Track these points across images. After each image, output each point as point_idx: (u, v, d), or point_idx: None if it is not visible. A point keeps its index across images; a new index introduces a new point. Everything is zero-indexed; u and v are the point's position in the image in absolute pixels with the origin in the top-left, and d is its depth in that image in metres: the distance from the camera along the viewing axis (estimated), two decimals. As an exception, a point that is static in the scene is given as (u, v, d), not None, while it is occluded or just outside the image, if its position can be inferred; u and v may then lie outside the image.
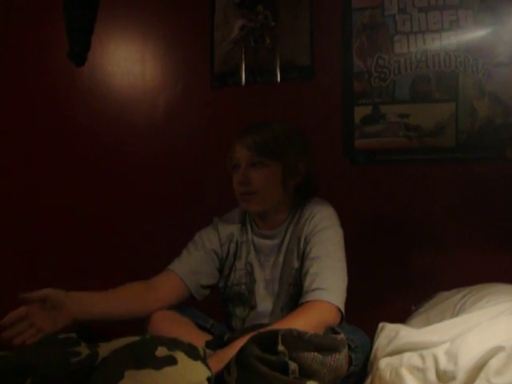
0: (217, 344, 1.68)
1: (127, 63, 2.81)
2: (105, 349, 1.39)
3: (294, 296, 1.87)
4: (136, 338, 1.42)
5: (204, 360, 1.43)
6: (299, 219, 1.93)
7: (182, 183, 2.66)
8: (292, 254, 1.90)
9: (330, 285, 1.73)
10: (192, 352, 1.40)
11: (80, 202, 2.81)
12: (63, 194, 2.82)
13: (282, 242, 1.94)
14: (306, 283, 1.77)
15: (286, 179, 1.91)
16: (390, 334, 1.59)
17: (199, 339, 1.67)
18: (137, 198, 2.72)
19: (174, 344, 1.40)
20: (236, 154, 1.94)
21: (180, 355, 1.35)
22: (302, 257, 1.86)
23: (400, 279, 1.96)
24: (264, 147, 1.88)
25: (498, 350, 1.40)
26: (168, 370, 1.30)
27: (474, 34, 2.34)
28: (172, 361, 1.33)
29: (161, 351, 1.35)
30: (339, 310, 1.71)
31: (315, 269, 1.77)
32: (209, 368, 1.40)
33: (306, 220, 1.89)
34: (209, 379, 1.36)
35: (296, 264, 1.88)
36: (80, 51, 2.74)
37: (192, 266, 1.94)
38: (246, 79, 2.58)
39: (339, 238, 1.87)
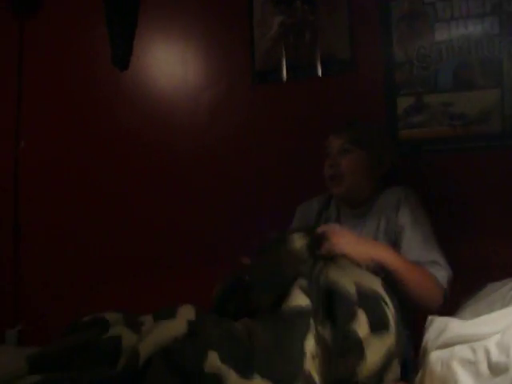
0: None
1: (169, 65, 2.86)
2: (147, 344, 1.33)
3: None
4: (183, 331, 1.38)
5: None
6: (383, 199, 2.10)
7: (227, 181, 2.69)
8: (372, 230, 2.06)
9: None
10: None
11: (130, 203, 2.87)
12: (114, 195, 2.89)
13: (365, 218, 2.10)
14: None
15: (371, 168, 2.13)
16: (440, 326, 1.58)
17: None
18: (185, 196, 2.76)
19: (227, 344, 1.35)
20: (328, 143, 2.17)
21: (231, 374, 1.29)
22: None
23: (452, 270, 1.94)
24: (353, 136, 2.12)
25: (549, 340, 1.38)
26: None
27: (516, 18, 2.29)
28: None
29: (211, 362, 1.28)
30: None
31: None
32: None
33: (393, 200, 2.05)
34: None
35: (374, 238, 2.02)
36: (123, 56, 2.80)
37: None
38: (287, 75, 2.58)
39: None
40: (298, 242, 1.77)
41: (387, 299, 1.61)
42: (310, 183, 2.41)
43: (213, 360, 1.28)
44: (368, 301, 1.55)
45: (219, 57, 2.76)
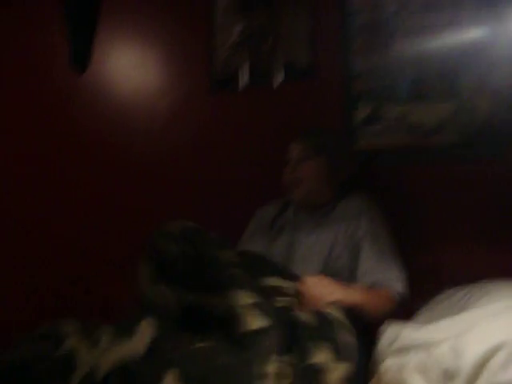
0: None
1: (128, 69, 2.83)
2: (105, 361, 1.31)
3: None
4: (143, 349, 1.36)
5: None
6: (343, 205, 2.13)
7: (182, 187, 2.66)
8: (330, 236, 2.07)
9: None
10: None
11: (80, 203, 2.84)
12: (64, 194, 2.86)
13: (322, 224, 2.12)
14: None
15: (330, 175, 2.16)
16: (393, 333, 1.59)
17: None
18: (136, 201, 2.74)
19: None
20: (289, 151, 2.20)
21: None
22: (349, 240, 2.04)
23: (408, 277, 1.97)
24: (313, 143, 2.17)
25: (501, 346, 1.40)
26: None
27: (473, 32, 2.33)
28: None
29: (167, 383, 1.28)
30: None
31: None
32: None
33: (354, 208, 2.09)
34: None
35: (337, 244, 2.05)
36: (82, 58, 2.77)
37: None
38: (246, 82, 2.58)
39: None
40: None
41: (347, 324, 1.62)
42: (268, 190, 2.42)
43: (171, 380, 1.27)
44: (330, 327, 1.55)
45: (179, 62, 2.75)
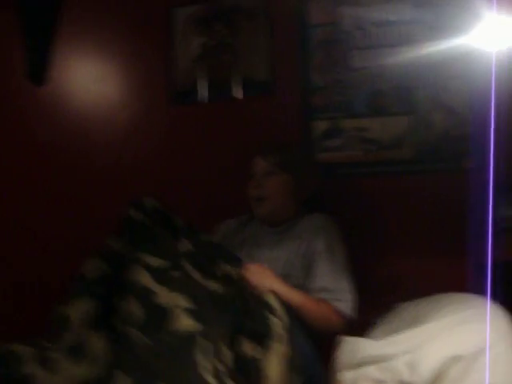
0: None
1: (87, 81, 2.81)
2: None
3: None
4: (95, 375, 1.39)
5: None
6: (303, 223, 2.12)
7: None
8: (291, 251, 2.07)
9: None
10: None
11: (36, 215, 2.80)
12: (21, 206, 2.82)
13: (283, 238, 2.12)
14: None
15: (295, 191, 2.15)
16: (351, 347, 1.60)
17: None
18: (96, 214, 2.71)
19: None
20: (254, 165, 2.17)
21: None
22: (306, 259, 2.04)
23: (360, 292, 1.98)
24: (279, 159, 2.14)
25: (456, 359, 1.43)
26: None
27: (428, 48, 2.38)
28: None
29: None
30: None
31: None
32: None
33: (313, 226, 2.08)
34: None
35: (293, 262, 2.05)
36: (39, 71, 2.74)
37: None
38: (205, 96, 2.59)
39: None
40: None
41: (276, 307, 1.64)
42: (228, 203, 2.42)
43: None
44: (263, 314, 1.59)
45: (138, 75, 2.74)
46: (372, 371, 1.48)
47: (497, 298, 1.68)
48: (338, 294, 1.95)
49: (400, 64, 2.41)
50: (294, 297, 1.85)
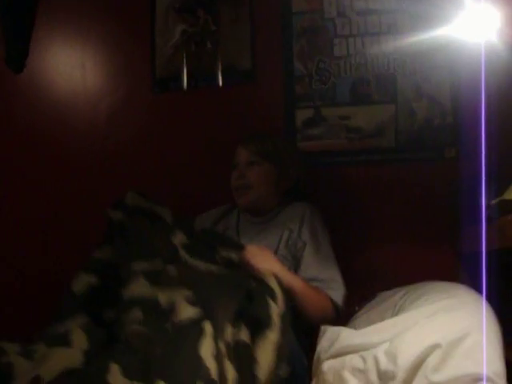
0: None
1: (67, 69, 2.77)
2: (48, 367, 1.34)
3: None
4: (81, 360, 1.39)
5: None
6: (287, 212, 2.11)
7: (123, 188, 2.62)
8: (274, 241, 2.05)
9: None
10: None
11: (16, 201, 2.76)
12: (5, 198, 2.77)
13: (266, 228, 2.10)
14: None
15: (278, 181, 2.14)
16: (332, 336, 1.61)
17: None
18: (77, 201, 2.68)
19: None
20: (237, 154, 2.17)
21: None
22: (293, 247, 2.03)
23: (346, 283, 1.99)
24: (261, 149, 2.14)
25: (434, 347, 1.44)
26: None
27: (411, 38, 2.38)
28: None
29: (114, 374, 1.30)
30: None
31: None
32: None
33: (297, 215, 2.07)
34: None
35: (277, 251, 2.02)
36: (18, 58, 2.70)
37: None
38: (187, 84, 2.57)
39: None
40: None
41: (277, 293, 1.63)
42: (210, 192, 2.41)
43: (115, 373, 1.30)
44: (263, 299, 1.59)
45: (119, 63, 2.71)
46: (353, 361, 1.49)
47: (483, 286, 1.69)
48: (329, 283, 1.93)
49: (383, 53, 2.41)
50: (294, 281, 1.81)
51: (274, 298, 1.61)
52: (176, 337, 1.42)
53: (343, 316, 1.89)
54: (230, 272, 1.73)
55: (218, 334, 1.45)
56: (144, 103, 2.66)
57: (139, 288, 1.57)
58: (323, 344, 1.61)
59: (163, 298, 1.53)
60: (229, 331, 1.48)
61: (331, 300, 1.90)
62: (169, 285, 1.58)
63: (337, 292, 1.92)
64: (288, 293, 1.71)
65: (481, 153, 1.85)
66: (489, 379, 1.41)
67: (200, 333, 1.42)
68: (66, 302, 1.66)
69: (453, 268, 2.22)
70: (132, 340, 1.42)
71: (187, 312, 1.48)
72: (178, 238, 1.77)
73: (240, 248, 1.85)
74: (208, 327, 1.44)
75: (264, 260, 1.81)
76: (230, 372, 1.41)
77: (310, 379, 1.64)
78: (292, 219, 2.07)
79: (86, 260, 1.78)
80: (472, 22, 2.04)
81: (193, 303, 1.51)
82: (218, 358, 1.40)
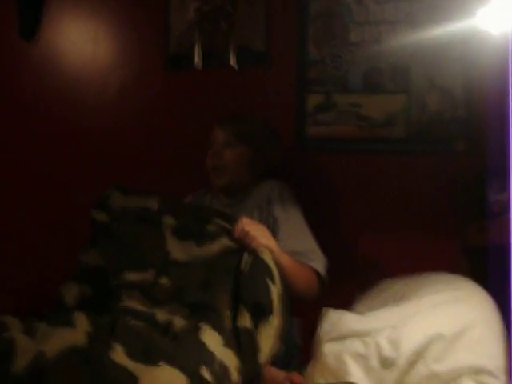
0: None
1: (80, 41, 2.75)
2: (51, 344, 1.35)
3: None
4: (84, 340, 1.39)
5: None
6: (256, 191, 2.11)
7: (132, 163, 2.63)
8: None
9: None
10: None
11: (25, 176, 2.75)
12: (9, 166, 2.76)
13: (239, 208, 2.08)
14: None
15: (254, 163, 2.15)
16: (334, 319, 1.61)
17: None
18: (84, 174, 2.68)
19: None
20: (213, 134, 2.19)
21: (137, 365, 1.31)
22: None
23: (346, 266, 1.99)
24: (238, 130, 2.15)
25: (437, 337, 1.44)
26: None
27: (427, 28, 2.36)
28: None
29: (117, 353, 1.32)
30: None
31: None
32: None
33: (265, 193, 2.08)
34: None
35: None
36: (30, 27, 2.69)
37: None
38: (200, 62, 2.55)
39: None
40: None
41: (274, 271, 1.65)
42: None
43: (119, 352, 1.32)
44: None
45: (132, 38, 2.69)
46: (354, 345, 1.49)
47: (487, 280, 1.69)
48: (309, 254, 1.92)
49: (398, 42, 2.39)
50: (284, 258, 1.80)
51: (272, 278, 1.62)
52: (176, 336, 1.47)
53: (346, 300, 1.88)
54: (223, 250, 1.73)
55: (218, 324, 1.47)
56: (155, 79, 2.64)
57: (133, 304, 1.63)
58: (325, 325, 1.61)
59: (160, 315, 1.57)
60: (228, 317, 1.50)
61: (315, 271, 1.90)
62: (164, 302, 1.63)
63: (318, 262, 1.92)
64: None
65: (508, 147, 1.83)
66: (490, 373, 1.42)
67: (200, 328, 1.45)
68: (57, 312, 1.72)
69: (458, 261, 2.22)
70: (134, 327, 1.47)
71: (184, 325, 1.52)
72: (167, 223, 1.79)
73: (233, 219, 1.84)
74: (207, 326, 1.47)
75: (262, 235, 1.80)
76: (234, 360, 1.42)
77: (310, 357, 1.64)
78: (262, 197, 2.08)
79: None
80: (491, 14, 2.01)
81: (189, 319, 1.54)
82: (220, 345, 1.41)
